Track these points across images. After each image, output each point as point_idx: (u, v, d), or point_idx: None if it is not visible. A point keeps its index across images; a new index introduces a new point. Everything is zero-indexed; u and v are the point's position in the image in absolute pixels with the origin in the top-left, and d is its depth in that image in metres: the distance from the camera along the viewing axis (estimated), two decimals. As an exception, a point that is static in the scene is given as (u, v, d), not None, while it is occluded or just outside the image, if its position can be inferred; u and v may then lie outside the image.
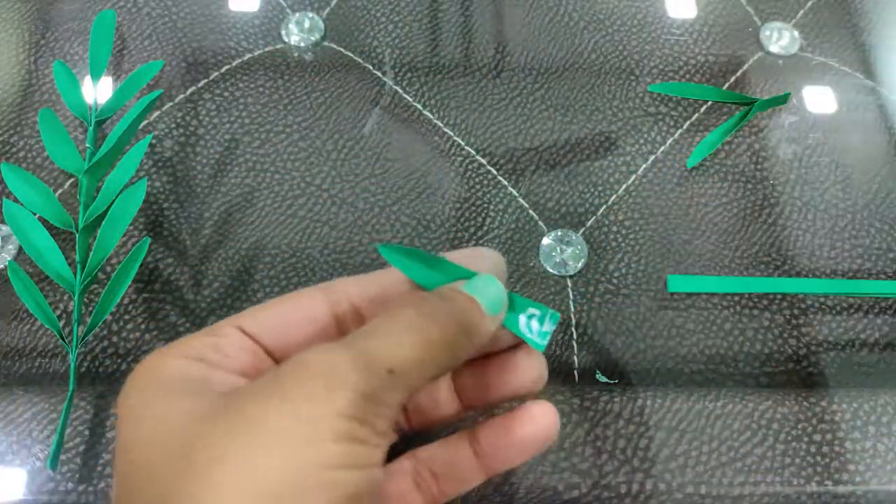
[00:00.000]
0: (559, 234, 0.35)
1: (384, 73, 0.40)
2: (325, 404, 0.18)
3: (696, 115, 0.39)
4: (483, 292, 0.23)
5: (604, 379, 0.32)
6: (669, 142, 0.38)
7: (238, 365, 0.21)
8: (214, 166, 0.37)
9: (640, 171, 0.37)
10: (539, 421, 0.24)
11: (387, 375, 0.19)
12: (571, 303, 0.34)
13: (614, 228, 0.36)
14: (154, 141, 0.37)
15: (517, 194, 0.37)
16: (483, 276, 0.23)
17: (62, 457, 0.30)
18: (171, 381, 0.20)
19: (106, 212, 0.33)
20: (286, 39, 0.40)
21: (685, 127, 0.39)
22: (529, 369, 0.24)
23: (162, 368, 0.21)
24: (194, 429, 0.18)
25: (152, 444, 0.19)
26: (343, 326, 0.23)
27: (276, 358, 0.23)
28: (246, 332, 0.22)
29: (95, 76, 0.38)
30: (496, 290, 0.23)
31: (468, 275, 0.24)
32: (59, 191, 0.36)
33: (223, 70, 0.39)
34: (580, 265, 0.35)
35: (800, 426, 0.31)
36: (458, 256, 0.24)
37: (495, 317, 0.23)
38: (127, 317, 0.33)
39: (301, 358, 0.19)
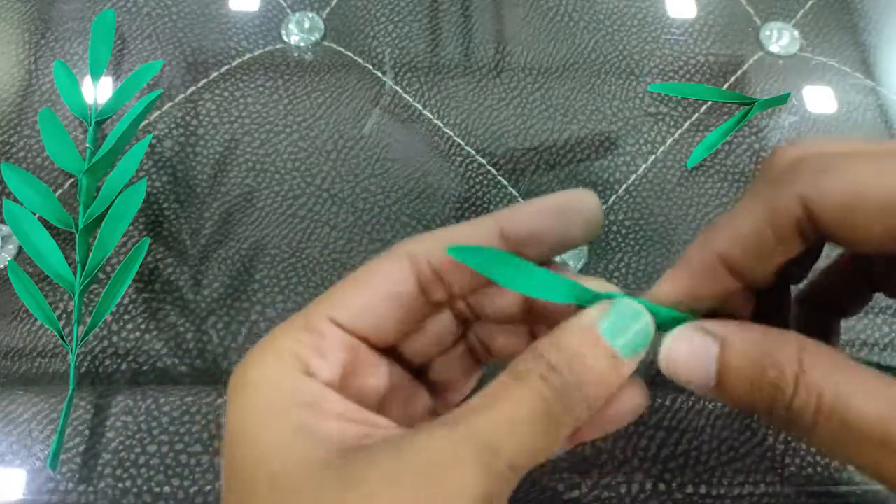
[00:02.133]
0: (559, 234, 0.35)
1: (384, 73, 0.40)
2: (445, 501, 0.17)
3: (696, 115, 0.39)
4: (628, 337, 0.19)
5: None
6: (669, 142, 0.38)
7: (339, 370, 0.21)
8: (214, 166, 0.37)
9: (640, 171, 0.37)
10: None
11: (508, 471, 0.18)
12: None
13: (614, 228, 0.36)
14: (154, 141, 0.37)
15: (517, 194, 0.37)
16: (623, 302, 0.19)
17: (62, 457, 0.30)
18: (288, 408, 0.19)
19: (106, 212, 0.33)
20: (286, 39, 0.40)
21: (685, 127, 0.39)
22: (636, 398, 0.21)
23: (280, 383, 0.20)
24: (311, 482, 0.18)
25: (267, 479, 0.18)
26: (426, 290, 0.22)
27: (373, 343, 0.22)
28: (341, 325, 0.21)
29: (95, 76, 0.38)
30: (643, 330, 0.19)
31: (582, 294, 0.19)
32: (59, 191, 0.36)
33: (223, 70, 0.39)
34: (580, 265, 0.35)
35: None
36: (539, 217, 0.21)
37: (633, 361, 0.19)
38: (127, 317, 0.33)
39: (424, 445, 0.18)
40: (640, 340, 0.19)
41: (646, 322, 0.19)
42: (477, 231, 0.21)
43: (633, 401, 0.21)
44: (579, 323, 0.19)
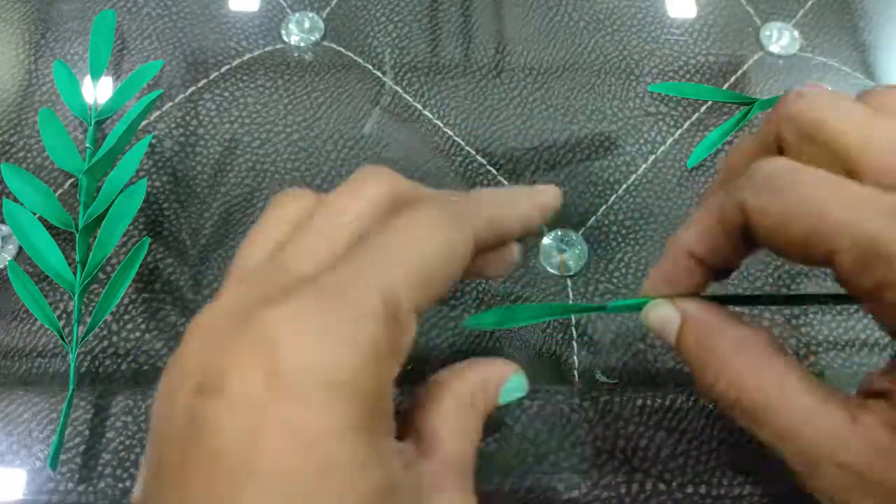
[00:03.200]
0: (559, 234, 0.35)
1: (384, 73, 0.40)
2: (364, 323, 0.18)
3: (696, 115, 0.39)
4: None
5: (604, 379, 0.32)
6: (669, 142, 0.38)
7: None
8: (214, 166, 0.37)
9: (640, 171, 0.37)
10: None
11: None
12: (571, 303, 0.34)
13: (614, 228, 0.36)
14: (154, 141, 0.37)
15: (517, 194, 0.37)
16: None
17: (62, 457, 0.30)
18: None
19: (106, 212, 0.33)
20: (286, 39, 0.40)
21: (685, 127, 0.39)
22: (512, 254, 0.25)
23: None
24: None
25: None
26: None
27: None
28: (417, 311, 0.21)
29: (95, 76, 0.38)
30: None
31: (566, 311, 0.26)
32: (59, 191, 0.36)
33: (223, 70, 0.39)
34: (580, 265, 0.35)
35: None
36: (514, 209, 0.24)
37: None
38: (127, 317, 0.33)
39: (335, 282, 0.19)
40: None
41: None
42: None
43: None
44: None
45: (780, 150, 0.22)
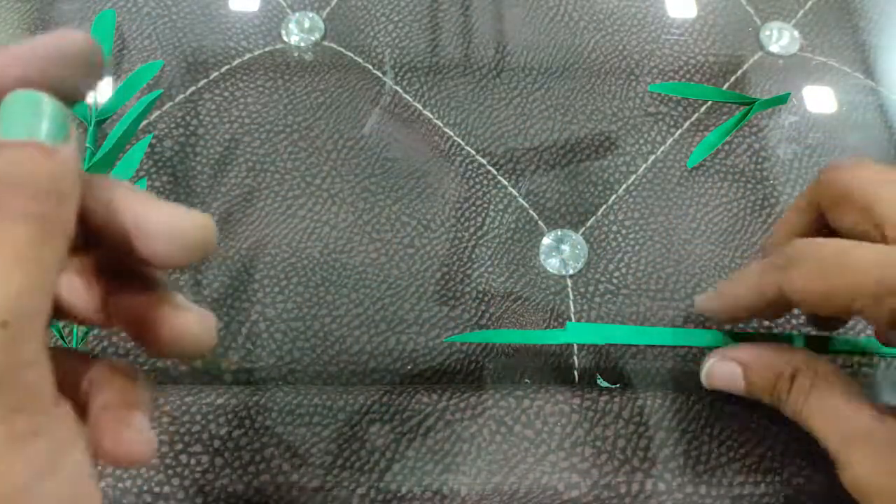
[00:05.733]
0: (559, 234, 0.35)
1: (384, 73, 0.40)
2: None
3: (696, 115, 0.39)
4: (18, 119, 0.16)
5: (605, 384, 0.32)
6: (669, 142, 0.38)
7: None
8: (214, 166, 0.37)
9: (640, 171, 0.37)
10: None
11: None
12: (571, 303, 0.34)
13: (614, 228, 0.36)
14: (154, 141, 0.37)
15: (517, 194, 0.37)
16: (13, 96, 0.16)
17: (62, 457, 0.30)
18: None
19: (106, 212, 0.33)
20: (286, 39, 0.40)
21: (685, 127, 0.39)
22: (200, 334, 0.19)
23: None
24: None
25: None
26: None
27: None
28: None
29: (95, 76, 0.38)
30: (43, 109, 0.16)
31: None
32: (59, 191, 0.36)
33: (223, 70, 0.39)
34: (580, 265, 0.35)
35: (800, 426, 0.31)
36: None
37: (64, 147, 0.16)
38: (127, 317, 0.33)
39: None
40: (51, 124, 0.16)
41: (44, 103, 0.16)
42: None
43: (185, 322, 0.18)
44: None
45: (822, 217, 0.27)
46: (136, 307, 0.19)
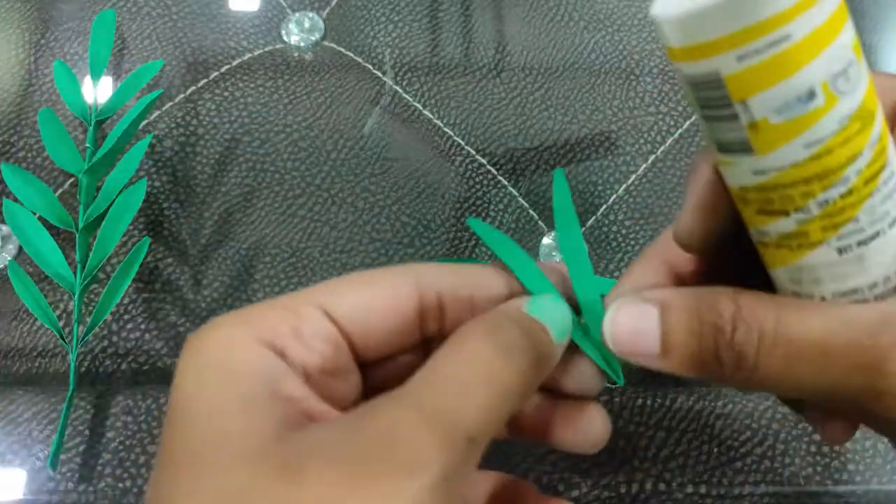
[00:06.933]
0: (559, 234, 0.35)
1: (384, 73, 0.40)
2: (408, 485, 0.15)
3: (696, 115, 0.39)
4: (552, 316, 0.20)
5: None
6: (669, 142, 0.38)
7: (317, 360, 0.19)
8: (214, 166, 0.37)
9: (640, 171, 0.37)
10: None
11: (467, 444, 0.17)
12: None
13: (614, 228, 0.36)
14: (154, 141, 0.37)
15: (517, 194, 0.37)
16: (549, 296, 0.21)
17: (62, 457, 0.30)
18: (236, 383, 0.17)
19: (106, 212, 0.33)
20: (286, 39, 0.40)
21: (685, 127, 0.39)
22: (598, 430, 0.22)
23: (229, 357, 0.18)
24: (252, 482, 0.16)
25: (200, 450, 0.16)
26: (424, 319, 0.21)
27: (356, 350, 0.20)
28: (331, 315, 0.20)
29: (95, 76, 0.38)
30: (563, 314, 0.21)
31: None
32: (59, 191, 0.36)
33: (223, 70, 0.39)
34: (580, 265, 0.35)
35: (800, 426, 0.31)
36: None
37: (562, 344, 0.21)
38: (127, 317, 0.33)
39: (375, 425, 0.16)
40: (563, 324, 0.21)
41: (566, 310, 0.21)
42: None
43: (600, 430, 0.22)
44: (512, 302, 0.21)
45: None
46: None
